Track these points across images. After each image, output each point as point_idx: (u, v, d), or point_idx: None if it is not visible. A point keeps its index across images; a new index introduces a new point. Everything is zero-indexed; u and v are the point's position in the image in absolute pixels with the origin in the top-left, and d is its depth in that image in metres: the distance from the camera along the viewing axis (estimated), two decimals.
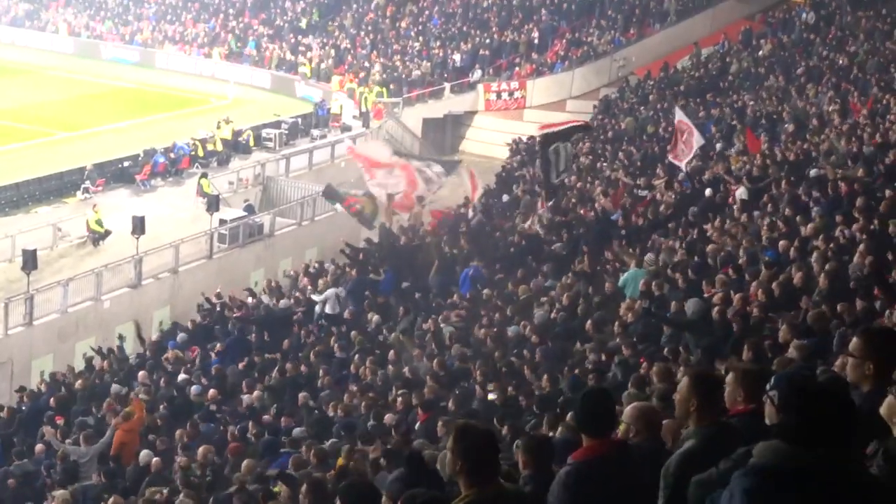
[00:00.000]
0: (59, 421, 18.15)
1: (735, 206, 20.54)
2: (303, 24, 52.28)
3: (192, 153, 36.39)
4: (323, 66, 47.66)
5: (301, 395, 16.71)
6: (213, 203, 29.74)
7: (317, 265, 26.06)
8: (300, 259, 28.72)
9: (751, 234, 18.05)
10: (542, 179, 25.31)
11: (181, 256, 28.17)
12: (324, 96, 44.29)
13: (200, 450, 14.71)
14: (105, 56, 51.88)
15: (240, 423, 16.42)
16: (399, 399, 14.60)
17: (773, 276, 14.35)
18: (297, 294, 24.06)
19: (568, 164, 22.49)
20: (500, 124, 42.94)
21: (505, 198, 29.04)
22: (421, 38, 48.96)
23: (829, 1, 43.47)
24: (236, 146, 38.46)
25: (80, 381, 20.11)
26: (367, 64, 47.26)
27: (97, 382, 20.48)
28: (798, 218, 17.33)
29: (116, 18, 55.34)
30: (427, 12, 51.23)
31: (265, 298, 23.89)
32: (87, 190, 33.07)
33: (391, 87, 44.74)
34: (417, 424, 13.43)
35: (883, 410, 5.14)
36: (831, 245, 14.82)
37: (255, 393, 17.61)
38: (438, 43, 48.34)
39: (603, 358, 14.14)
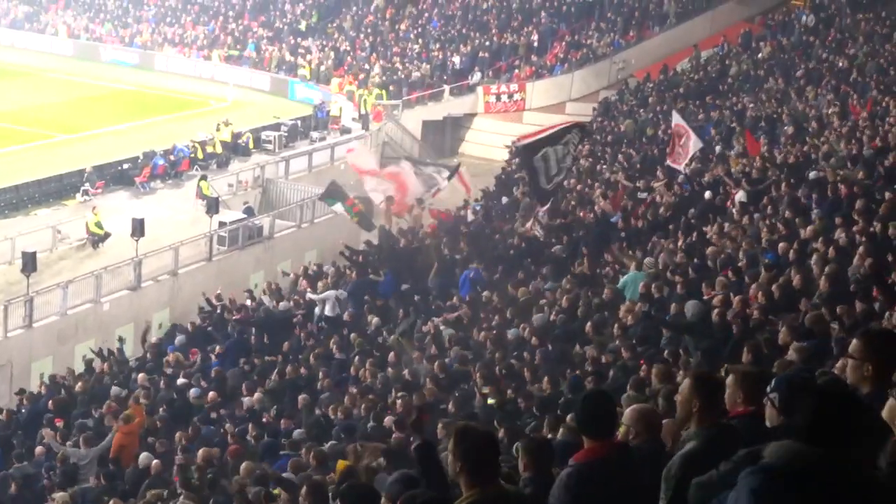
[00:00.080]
0: (59, 423, 18.15)
1: (735, 210, 20.55)
2: (302, 26, 52.30)
3: (192, 155, 36.38)
4: (322, 68, 47.66)
5: (301, 398, 16.70)
6: (213, 205, 29.75)
7: (315, 267, 26.06)
8: (300, 261, 28.72)
9: (750, 237, 18.05)
10: (529, 189, 25.12)
11: (181, 259, 28.18)
12: (323, 98, 44.29)
13: (200, 452, 14.70)
14: (104, 58, 51.88)
15: (239, 425, 16.41)
16: (399, 401, 14.59)
17: (773, 278, 14.35)
18: (297, 296, 24.06)
19: (561, 167, 22.23)
20: (500, 126, 42.95)
21: (504, 200, 29.06)
22: (420, 41, 48.98)
23: (828, 3, 43.52)
24: (236, 148, 38.46)
25: (79, 384, 20.11)
26: (366, 66, 47.28)
27: (98, 384, 20.47)
28: (797, 220, 17.34)
29: (116, 21, 55.35)
30: (426, 14, 51.25)
31: (266, 300, 23.91)
32: (86, 192, 33.06)
33: (391, 88, 44.75)
34: None
35: (884, 413, 5.14)
36: (831, 247, 14.83)
37: (256, 395, 17.60)
38: (438, 45, 48.36)
39: (603, 360, 14.14)
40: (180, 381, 19.50)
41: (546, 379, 13.84)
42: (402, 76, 45.75)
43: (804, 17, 42.70)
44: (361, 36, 50.25)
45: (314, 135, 41.09)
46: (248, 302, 23.94)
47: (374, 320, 20.68)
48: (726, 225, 19.63)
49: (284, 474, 12.38)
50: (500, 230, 25.29)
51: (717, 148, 28.13)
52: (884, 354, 5.28)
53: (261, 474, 12.85)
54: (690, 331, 13.86)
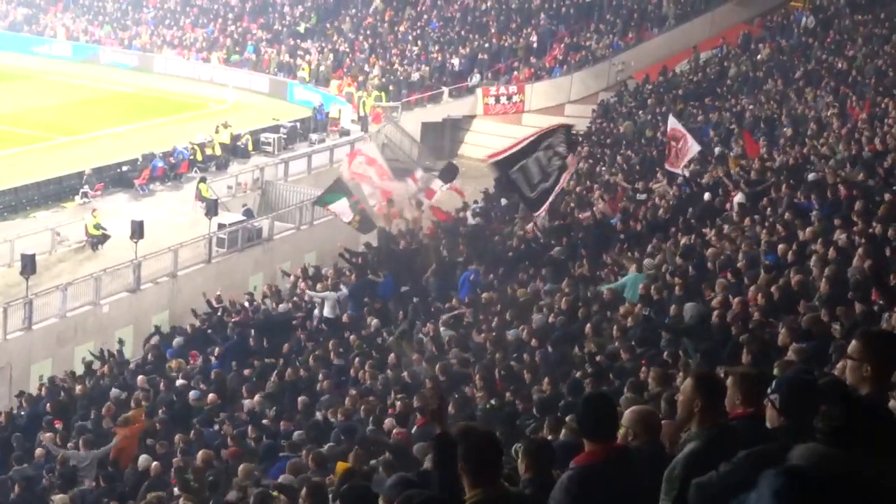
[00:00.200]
0: (58, 425, 18.14)
1: (734, 212, 20.55)
2: (301, 28, 52.30)
3: (191, 157, 36.40)
4: (322, 69, 47.67)
5: (300, 400, 16.70)
6: (212, 207, 29.76)
7: (314, 269, 26.02)
8: (299, 263, 28.71)
9: (750, 238, 18.05)
10: (517, 200, 24.97)
11: (180, 261, 28.19)
12: (322, 100, 44.31)
13: (200, 454, 14.70)
14: (104, 60, 51.87)
15: (239, 427, 16.40)
16: (398, 403, 14.58)
17: (773, 279, 14.35)
18: (296, 298, 24.05)
19: (548, 172, 21.93)
20: (499, 128, 42.92)
21: (504, 202, 29.04)
22: (419, 42, 48.98)
23: (827, 5, 43.54)
24: (235, 150, 38.48)
25: (79, 386, 20.10)
26: (365, 68, 47.28)
27: (99, 385, 20.48)
28: (797, 222, 17.33)
29: (115, 23, 55.34)
30: (426, 16, 51.25)
31: (268, 302, 23.91)
32: (85, 194, 33.07)
33: (390, 90, 44.77)
34: (414, 429, 13.41)
35: None
36: (830, 249, 14.83)
37: (256, 398, 17.59)
38: (437, 47, 48.36)
39: (598, 359, 14.13)
40: (179, 381, 19.51)
41: (546, 380, 13.84)
42: (402, 78, 45.76)
43: (803, 19, 42.71)
44: (360, 38, 50.25)
45: (313, 137, 41.11)
46: (247, 304, 23.92)
47: (374, 322, 20.67)
48: (725, 227, 19.63)
49: (283, 475, 12.35)
50: (499, 232, 25.29)
51: (717, 149, 28.13)
52: (883, 355, 5.29)
53: (259, 477, 12.85)
54: (689, 334, 13.86)
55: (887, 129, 24.27)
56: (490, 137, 42.30)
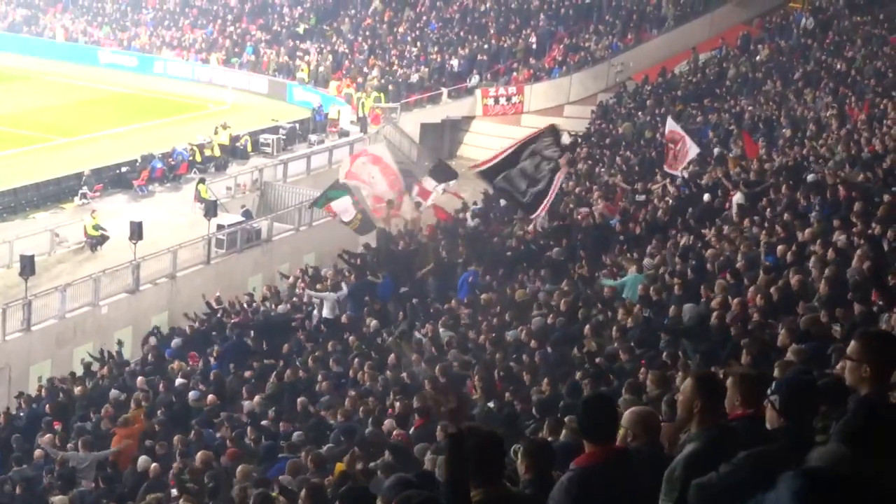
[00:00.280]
0: (57, 426, 18.13)
1: (733, 213, 20.56)
2: (300, 29, 52.30)
3: (190, 158, 36.39)
4: (321, 70, 47.67)
5: (300, 400, 16.69)
6: (211, 208, 29.75)
7: (313, 270, 26.02)
8: (298, 264, 28.72)
9: (749, 239, 18.05)
10: (512, 206, 24.90)
11: (179, 262, 28.19)
12: (321, 101, 44.31)
13: (199, 455, 14.69)
14: (103, 61, 51.83)
15: (237, 428, 16.38)
16: (397, 404, 14.56)
17: (772, 280, 14.36)
18: (295, 299, 24.05)
19: (538, 178, 21.73)
20: (498, 129, 42.93)
21: (503, 203, 29.01)
22: (419, 43, 48.98)
23: (826, 6, 43.57)
24: (234, 151, 38.46)
25: (79, 387, 20.10)
26: (364, 69, 47.28)
27: (98, 386, 20.47)
28: (796, 223, 17.34)
29: (114, 24, 55.32)
30: (425, 17, 51.25)
31: (268, 303, 23.90)
32: (84, 195, 33.06)
33: (389, 90, 44.77)
34: (412, 430, 13.40)
35: None
36: (830, 249, 14.84)
37: (256, 399, 17.58)
38: (436, 48, 48.36)
39: (600, 362, 14.13)
40: (178, 381, 19.50)
41: (545, 381, 13.83)
42: (401, 79, 45.76)
43: (802, 20, 42.75)
44: (359, 39, 50.25)
45: (312, 138, 41.11)
46: (246, 305, 23.91)
47: (373, 323, 20.67)
48: (725, 227, 19.63)
49: (282, 476, 12.35)
50: (498, 233, 25.29)
51: (716, 150, 28.15)
52: (882, 356, 5.29)
53: (259, 479, 12.83)
54: (688, 335, 13.86)
55: (886, 130, 24.30)
56: (489, 138, 42.33)
